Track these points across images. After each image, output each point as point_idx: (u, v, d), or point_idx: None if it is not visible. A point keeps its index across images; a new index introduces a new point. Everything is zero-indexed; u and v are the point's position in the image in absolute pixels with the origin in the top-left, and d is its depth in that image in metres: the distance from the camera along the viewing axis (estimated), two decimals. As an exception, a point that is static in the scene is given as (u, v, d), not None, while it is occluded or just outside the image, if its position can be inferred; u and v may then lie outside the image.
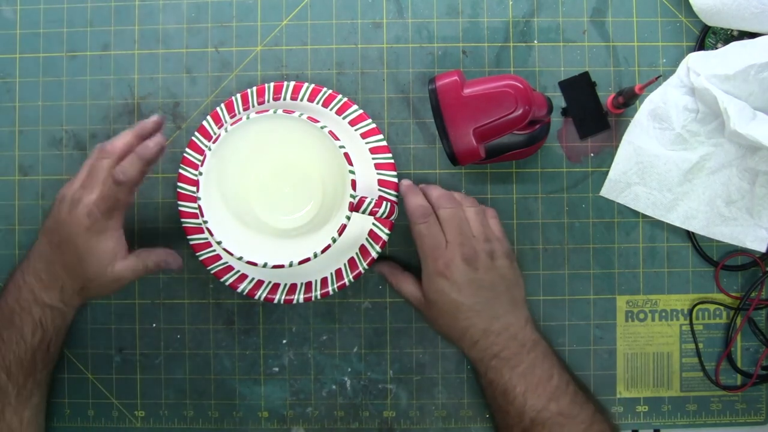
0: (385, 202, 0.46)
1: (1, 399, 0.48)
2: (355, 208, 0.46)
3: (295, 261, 0.46)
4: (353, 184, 0.46)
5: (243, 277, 0.52)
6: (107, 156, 0.47)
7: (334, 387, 0.55)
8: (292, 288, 0.52)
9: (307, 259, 0.46)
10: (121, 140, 0.48)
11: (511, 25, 0.55)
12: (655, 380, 0.55)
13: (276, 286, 0.52)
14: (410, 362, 0.55)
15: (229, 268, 0.52)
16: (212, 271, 0.52)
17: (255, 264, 0.46)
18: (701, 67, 0.49)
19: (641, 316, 0.55)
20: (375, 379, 0.55)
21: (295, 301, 0.52)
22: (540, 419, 0.46)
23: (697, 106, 0.51)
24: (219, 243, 0.46)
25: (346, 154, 0.46)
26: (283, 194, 0.53)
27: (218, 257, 0.52)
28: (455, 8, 0.55)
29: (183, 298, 0.55)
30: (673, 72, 0.52)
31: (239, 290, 0.52)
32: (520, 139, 0.51)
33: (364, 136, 0.52)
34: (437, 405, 0.55)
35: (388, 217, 0.47)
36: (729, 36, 0.54)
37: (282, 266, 0.46)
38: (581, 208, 0.55)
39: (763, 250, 0.53)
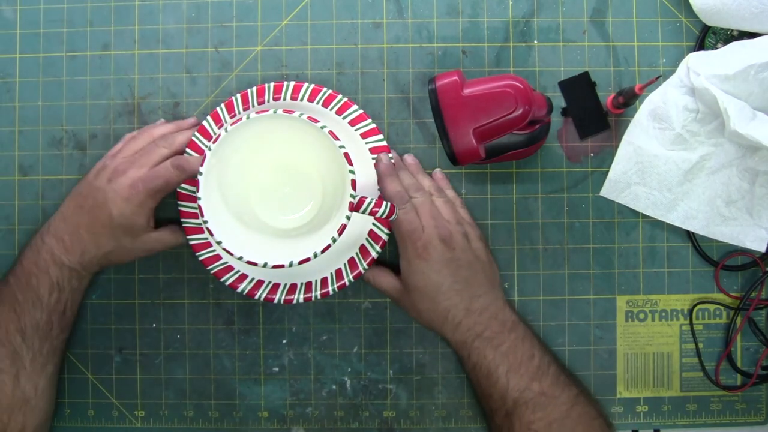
0: (384, 203, 0.46)
1: (15, 362, 0.48)
2: (355, 208, 0.46)
3: (295, 261, 0.46)
4: (353, 184, 0.46)
5: (243, 277, 0.52)
6: (168, 146, 0.50)
7: (334, 387, 0.55)
8: (292, 288, 0.52)
9: (307, 259, 0.46)
10: (181, 136, 0.51)
11: (511, 25, 0.55)
12: (655, 380, 0.55)
13: (276, 286, 0.52)
14: (410, 362, 0.55)
15: (229, 268, 0.52)
16: (212, 271, 0.52)
17: (255, 264, 0.46)
18: (701, 67, 0.49)
19: (641, 316, 0.55)
20: (375, 379, 0.55)
21: (295, 301, 0.52)
22: (523, 399, 0.47)
23: (697, 106, 0.51)
24: (219, 243, 0.46)
25: (345, 154, 0.46)
26: (283, 194, 0.53)
27: (218, 257, 0.52)
28: (455, 8, 0.55)
29: (183, 298, 0.55)
30: (673, 72, 0.52)
31: (239, 290, 0.52)
32: (520, 139, 0.51)
33: (364, 136, 0.52)
34: (437, 405, 0.55)
35: (387, 217, 0.47)
36: (729, 36, 0.54)
37: (282, 266, 0.46)
38: (581, 208, 0.55)
39: (763, 250, 0.53)
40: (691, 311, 0.55)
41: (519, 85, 0.45)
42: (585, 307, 0.55)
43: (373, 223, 0.52)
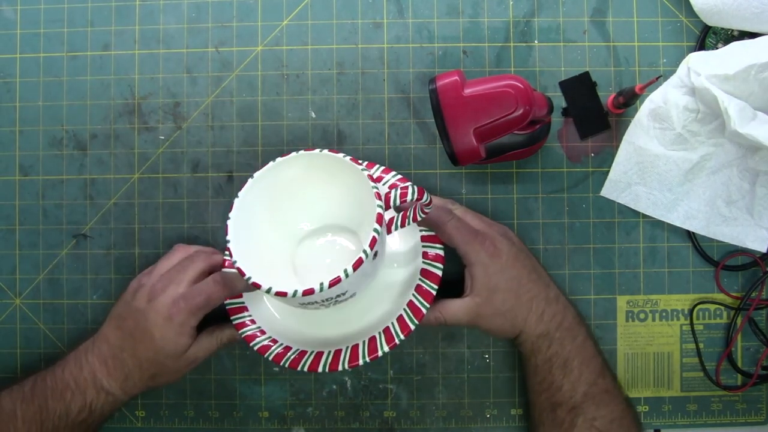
0: (411, 187, 0.43)
1: None
2: (385, 203, 0.43)
3: (326, 283, 0.40)
4: (379, 218, 0.42)
5: (287, 349, 0.48)
6: (202, 260, 0.49)
7: (334, 387, 0.55)
8: (337, 355, 0.47)
9: (338, 279, 0.40)
10: (218, 256, 0.51)
11: (511, 25, 0.55)
12: (655, 380, 0.55)
13: (320, 354, 0.47)
14: (410, 362, 0.55)
15: (274, 342, 0.49)
16: (255, 348, 0.49)
17: (285, 294, 0.41)
18: (701, 67, 0.49)
19: (642, 316, 0.55)
20: (375, 379, 0.55)
21: (341, 368, 0.46)
22: (591, 393, 0.48)
23: (698, 106, 0.51)
24: (248, 279, 0.42)
25: (376, 194, 0.42)
26: (324, 264, 0.49)
27: (258, 334, 0.49)
28: (455, 8, 0.55)
29: (183, 298, 0.55)
30: (673, 72, 0.52)
31: (282, 363, 0.48)
32: (520, 139, 0.51)
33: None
34: (437, 405, 0.55)
35: (419, 199, 0.43)
36: (729, 36, 0.54)
37: (312, 291, 0.41)
38: (581, 208, 0.55)
39: (763, 250, 0.53)
40: (691, 311, 0.55)
41: (519, 85, 0.45)
42: (585, 307, 0.55)
43: (425, 261, 0.49)
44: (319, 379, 0.55)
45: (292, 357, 0.47)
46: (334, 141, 0.55)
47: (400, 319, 0.47)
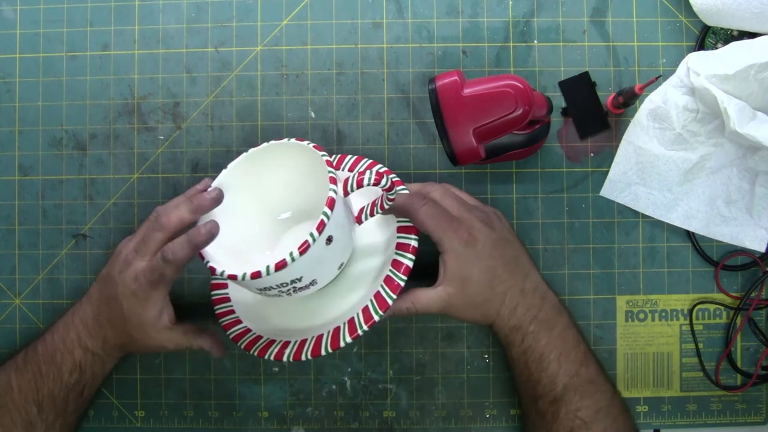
0: (369, 172, 0.42)
1: None
2: (358, 183, 0.43)
3: (272, 266, 0.41)
4: (330, 202, 0.42)
5: (258, 338, 0.48)
6: (161, 229, 0.46)
7: (334, 387, 0.55)
8: (301, 345, 0.46)
9: (283, 262, 0.41)
10: (176, 215, 0.46)
11: (511, 25, 0.55)
12: (655, 380, 0.55)
13: (286, 344, 0.47)
14: (410, 362, 0.55)
15: (246, 331, 0.49)
16: (231, 336, 0.49)
17: (235, 277, 0.42)
18: (701, 67, 0.49)
19: (641, 316, 0.55)
20: (375, 379, 0.55)
21: (303, 358, 0.45)
22: (572, 385, 0.46)
23: (697, 106, 0.51)
24: (206, 262, 0.44)
25: (331, 178, 0.42)
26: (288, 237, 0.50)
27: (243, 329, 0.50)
28: (455, 8, 0.55)
29: (183, 298, 0.55)
30: (673, 72, 0.52)
31: (252, 351, 0.47)
32: (520, 139, 0.51)
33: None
34: (437, 405, 0.55)
35: (376, 183, 0.43)
36: (729, 36, 0.54)
37: (259, 273, 0.41)
38: (581, 208, 0.55)
39: (762, 250, 0.53)
40: (691, 311, 0.54)
41: (519, 85, 0.45)
42: (585, 307, 0.55)
43: (396, 252, 0.47)
44: (318, 380, 0.55)
45: (261, 345, 0.47)
46: (334, 141, 0.55)
47: (365, 309, 0.45)
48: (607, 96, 0.54)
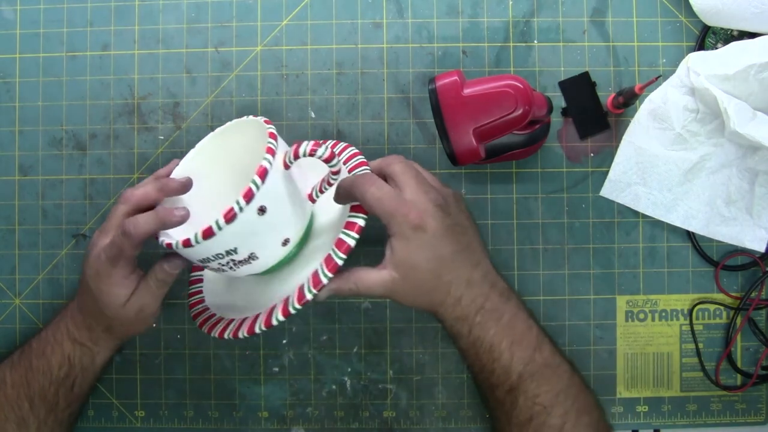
0: (323, 146, 0.42)
1: (21, 429, 0.48)
2: (295, 154, 0.42)
3: (199, 233, 0.40)
4: (261, 171, 0.41)
5: (211, 315, 0.48)
6: (123, 202, 0.45)
7: (334, 387, 0.55)
8: (239, 323, 0.45)
9: (209, 229, 0.40)
10: (141, 190, 0.45)
11: (511, 25, 0.55)
12: (655, 380, 0.55)
13: (229, 322, 0.46)
14: (410, 362, 0.55)
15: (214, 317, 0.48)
16: (192, 315, 0.49)
17: (170, 245, 0.42)
18: (701, 67, 0.49)
19: (641, 316, 0.55)
20: (375, 379, 0.55)
21: (240, 335, 0.44)
22: (528, 372, 0.44)
23: (697, 106, 0.51)
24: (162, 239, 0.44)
25: (268, 148, 0.42)
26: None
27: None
28: (455, 8, 0.55)
29: (183, 299, 0.55)
30: (673, 72, 0.52)
31: (211, 333, 0.47)
32: (520, 139, 0.51)
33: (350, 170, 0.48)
34: (437, 405, 0.55)
35: (328, 159, 0.42)
36: (729, 36, 0.54)
37: (189, 241, 0.41)
38: (581, 208, 0.55)
39: (762, 250, 0.53)
40: (691, 311, 0.54)
41: (519, 85, 0.45)
42: (585, 307, 0.55)
43: (342, 231, 0.45)
44: (318, 380, 0.55)
45: (211, 323, 0.47)
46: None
47: (300, 288, 0.43)
48: (607, 96, 0.54)
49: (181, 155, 0.54)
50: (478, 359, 0.46)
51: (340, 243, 0.43)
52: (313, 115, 0.55)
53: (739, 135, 0.48)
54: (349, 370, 0.55)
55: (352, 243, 0.43)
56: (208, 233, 0.40)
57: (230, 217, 0.40)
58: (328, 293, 0.45)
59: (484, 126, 0.45)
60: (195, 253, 0.42)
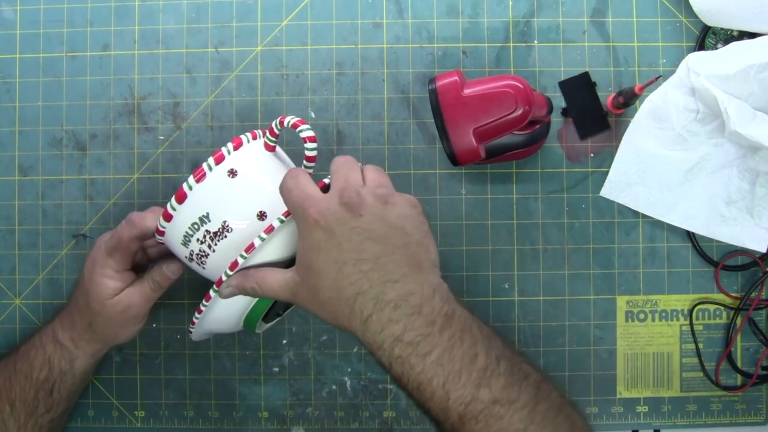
0: (261, 131, 0.44)
1: None
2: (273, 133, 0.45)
3: (173, 197, 0.42)
4: (236, 142, 0.43)
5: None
6: (130, 225, 0.46)
7: (334, 387, 0.55)
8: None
9: (181, 189, 0.42)
10: (151, 217, 0.46)
11: (511, 25, 0.55)
12: (655, 380, 0.55)
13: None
14: (410, 362, 0.55)
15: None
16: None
17: (163, 233, 0.43)
18: (701, 67, 0.49)
19: (641, 316, 0.55)
20: (375, 379, 0.55)
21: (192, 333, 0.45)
22: (470, 413, 0.37)
23: (697, 106, 0.51)
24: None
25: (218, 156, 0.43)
26: None
27: None
28: (455, 8, 0.55)
29: (183, 299, 0.55)
30: (673, 72, 0.52)
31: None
32: (520, 139, 0.51)
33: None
34: (437, 405, 0.55)
35: (309, 139, 0.43)
36: (729, 36, 0.54)
37: (168, 213, 0.42)
38: (581, 208, 0.55)
39: (763, 250, 0.53)
40: (691, 311, 0.54)
41: (519, 85, 0.45)
42: (585, 307, 0.55)
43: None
44: (318, 380, 0.55)
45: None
46: (334, 141, 0.55)
47: (216, 282, 0.42)
48: (607, 96, 0.54)
49: (181, 155, 0.55)
50: (410, 396, 0.39)
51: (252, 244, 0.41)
52: (313, 115, 0.55)
53: (739, 135, 0.48)
54: (349, 370, 0.55)
55: (257, 242, 0.40)
56: (180, 194, 0.42)
57: (200, 176, 0.42)
58: (230, 291, 0.42)
59: (484, 126, 0.45)
60: (175, 230, 0.43)
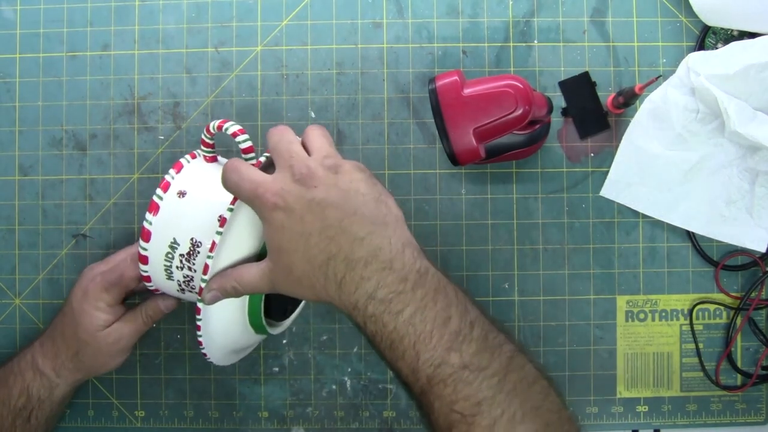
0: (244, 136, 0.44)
1: None
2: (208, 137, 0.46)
3: (140, 238, 0.44)
4: (178, 164, 0.46)
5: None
6: (132, 256, 0.48)
7: (334, 387, 0.55)
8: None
9: (143, 228, 0.43)
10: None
11: (511, 25, 0.55)
12: (655, 380, 0.55)
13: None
14: (410, 362, 0.55)
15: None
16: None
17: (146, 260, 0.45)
18: (701, 67, 0.49)
19: (641, 316, 0.55)
20: (375, 379, 0.55)
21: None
22: (439, 376, 0.37)
23: (697, 106, 0.51)
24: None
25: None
26: None
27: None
28: (455, 8, 0.55)
29: (182, 299, 0.55)
30: (673, 72, 0.52)
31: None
32: (520, 139, 0.51)
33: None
34: (437, 405, 0.55)
35: (234, 134, 0.44)
36: (729, 36, 0.54)
37: (142, 254, 0.44)
38: (581, 208, 0.55)
39: (763, 250, 0.53)
40: (691, 311, 0.54)
41: (519, 85, 0.45)
42: (585, 307, 0.55)
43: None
44: (318, 380, 0.55)
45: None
46: (334, 141, 0.55)
47: (199, 292, 0.42)
48: (607, 96, 0.54)
49: (180, 155, 0.54)
50: (382, 354, 0.39)
51: (213, 242, 0.41)
52: (313, 115, 0.55)
53: (739, 135, 0.48)
54: (349, 370, 0.55)
55: (217, 239, 0.41)
56: (145, 233, 0.43)
57: (155, 209, 0.44)
58: (213, 295, 0.41)
59: (484, 126, 0.45)
60: (155, 268, 0.45)
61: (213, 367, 0.55)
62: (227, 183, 0.40)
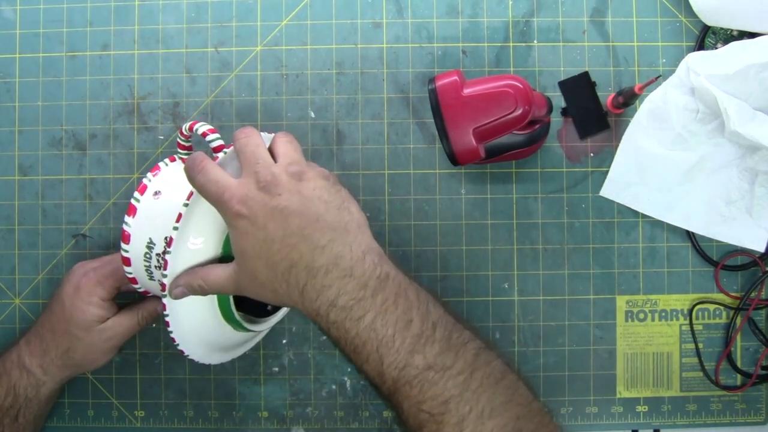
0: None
1: None
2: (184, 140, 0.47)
3: (121, 240, 0.45)
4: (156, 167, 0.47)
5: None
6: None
7: (334, 387, 0.55)
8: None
9: (123, 230, 0.44)
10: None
11: (511, 25, 0.55)
12: (655, 380, 0.55)
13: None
14: (410, 362, 0.55)
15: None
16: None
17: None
18: (701, 67, 0.49)
19: (641, 316, 0.55)
20: (375, 379, 0.55)
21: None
22: (404, 378, 0.37)
23: (697, 106, 0.51)
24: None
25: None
26: None
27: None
28: (455, 8, 0.55)
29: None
30: (673, 72, 0.52)
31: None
32: (520, 139, 0.51)
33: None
34: (437, 405, 0.55)
35: (203, 134, 0.44)
36: (729, 36, 0.54)
37: (125, 257, 0.45)
38: (581, 208, 0.55)
39: (762, 250, 0.53)
40: (691, 311, 0.55)
41: (519, 85, 0.45)
42: (585, 307, 0.55)
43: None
44: (318, 380, 0.55)
45: None
46: (334, 141, 0.55)
47: (162, 287, 0.43)
48: (607, 96, 0.54)
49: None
50: (348, 358, 0.40)
51: (170, 238, 0.42)
52: (312, 115, 0.55)
53: (739, 135, 0.48)
54: (349, 370, 0.55)
55: (174, 234, 0.41)
56: (125, 235, 0.44)
57: (132, 211, 0.45)
58: (180, 291, 0.42)
59: (484, 126, 0.45)
60: (138, 270, 0.45)
61: (213, 367, 0.55)
62: (193, 183, 0.41)
